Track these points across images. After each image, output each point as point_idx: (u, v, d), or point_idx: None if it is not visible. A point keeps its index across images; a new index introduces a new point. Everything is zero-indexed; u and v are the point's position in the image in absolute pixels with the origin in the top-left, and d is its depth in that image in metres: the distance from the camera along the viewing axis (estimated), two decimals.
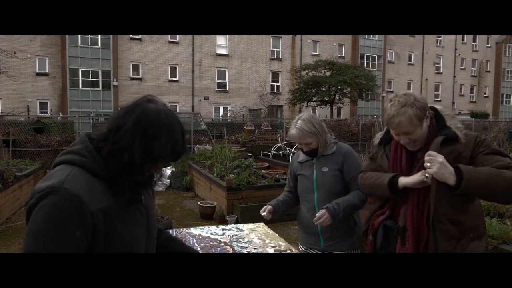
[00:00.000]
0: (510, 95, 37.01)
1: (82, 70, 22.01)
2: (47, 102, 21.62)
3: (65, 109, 21.15)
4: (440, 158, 1.45)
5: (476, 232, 1.61)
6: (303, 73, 22.34)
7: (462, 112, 31.75)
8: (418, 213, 1.60)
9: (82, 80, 22.07)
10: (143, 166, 1.00)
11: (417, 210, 1.60)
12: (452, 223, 1.57)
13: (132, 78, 23.26)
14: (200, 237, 2.39)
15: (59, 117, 15.88)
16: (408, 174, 1.62)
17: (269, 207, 2.26)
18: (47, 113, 20.19)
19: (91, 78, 22.29)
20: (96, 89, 22.40)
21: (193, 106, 24.72)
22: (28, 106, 20.39)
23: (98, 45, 22.24)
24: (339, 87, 21.11)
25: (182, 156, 1.07)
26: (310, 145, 2.09)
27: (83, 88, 22.09)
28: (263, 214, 2.23)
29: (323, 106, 22.61)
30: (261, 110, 24.75)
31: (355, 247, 2.10)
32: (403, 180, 1.59)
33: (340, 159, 2.11)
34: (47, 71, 21.51)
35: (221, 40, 25.44)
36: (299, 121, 2.08)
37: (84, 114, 17.57)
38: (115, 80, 22.51)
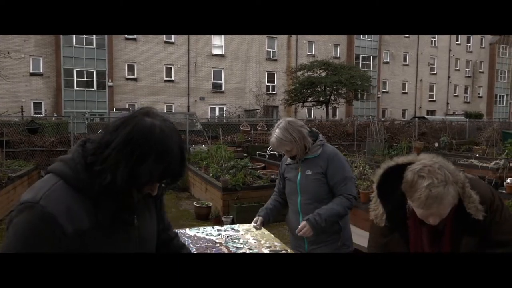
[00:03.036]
0: (503, 96, 37.33)
1: (76, 70, 21.87)
2: (41, 103, 21.46)
3: (59, 110, 21.00)
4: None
5: None
6: (299, 73, 22.40)
7: (456, 113, 31.98)
8: None
9: (76, 80, 21.92)
10: (128, 189, 0.92)
11: None
12: None
13: (127, 79, 23.15)
14: (196, 238, 2.38)
15: (53, 118, 15.77)
16: (430, 251, 1.42)
17: (260, 218, 2.28)
18: (41, 114, 20.05)
19: (86, 78, 22.15)
20: (91, 89, 22.27)
21: (188, 106, 24.67)
22: (22, 106, 20.20)
23: (93, 45, 22.12)
24: (335, 87, 21.19)
25: (181, 177, 0.99)
26: (291, 152, 2.10)
27: (77, 89, 21.95)
28: (254, 225, 2.26)
29: (318, 106, 22.67)
30: (257, 110, 24.75)
31: (340, 252, 2.10)
32: None
33: (325, 162, 2.09)
34: (41, 71, 21.35)
35: (217, 40, 25.41)
36: (277, 130, 2.08)
37: (78, 115, 17.47)
38: (110, 80, 22.39)
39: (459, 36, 34.64)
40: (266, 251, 2.12)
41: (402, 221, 1.43)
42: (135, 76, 23.36)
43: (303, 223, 1.99)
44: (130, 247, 1.05)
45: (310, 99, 22.12)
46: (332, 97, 21.89)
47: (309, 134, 2.12)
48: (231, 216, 5.74)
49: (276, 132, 2.08)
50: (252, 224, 2.26)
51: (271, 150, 10.38)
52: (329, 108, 22.96)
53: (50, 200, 0.89)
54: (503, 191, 5.21)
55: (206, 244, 2.27)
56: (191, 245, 2.23)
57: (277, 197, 2.38)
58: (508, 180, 5.31)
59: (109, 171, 0.89)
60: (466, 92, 36.04)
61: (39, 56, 21.26)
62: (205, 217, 6.08)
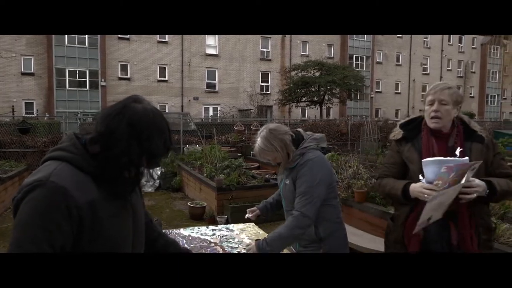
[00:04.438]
0: (495, 96, 37.77)
1: (69, 70, 21.66)
2: (32, 103, 21.21)
3: (51, 110, 20.79)
4: (476, 190, 1.59)
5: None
6: (293, 73, 22.41)
7: None
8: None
9: (69, 80, 21.72)
10: (141, 165, 1.06)
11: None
12: (486, 219, 1.76)
13: (120, 78, 23.00)
14: (190, 238, 2.37)
15: (45, 118, 15.59)
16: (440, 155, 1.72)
17: (257, 211, 2.25)
18: (33, 114, 19.81)
19: (78, 78, 21.95)
20: (84, 89, 22.08)
21: (182, 106, 24.57)
22: (13, 106, 19.96)
23: (85, 45, 21.93)
24: (328, 87, 21.23)
25: (167, 155, 1.12)
26: (275, 160, 2.02)
27: (70, 88, 21.75)
28: (248, 215, 2.24)
29: (312, 106, 22.72)
30: (251, 110, 24.73)
31: None
32: (413, 190, 1.67)
33: (295, 174, 1.96)
34: (32, 70, 21.11)
35: (211, 40, 25.35)
36: (259, 139, 1.98)
37: (71, 115, 17.28)
38: (103, 80, 22.22)
39: (451, 36, 34.97)
40: None
41: (417, 134, 1.83)
42: (128, 76, 23.21)
43: (252, 244, 1.91)
44: (128, 221, 1.13)
45: (304, 99, 22.15)
46: (326, 97, 21.94)
47: (294, 140, 1.99)
48: (226, 216, 5.72)
49: (258, 141, 1.99)
50: (248, 211, 2.24)
51: None
52: (323, 108, 23.01)
53: (60, 176, 0.97)
54: None
55: (201, 244, 2.25)
56: (186, 245, 2.22)
57: (278, 195, 2.32)
58: None
59: (124, 153, 1.00)
60: None
61: (30, 55, 21.02)
62: (199, 217, 6.05)
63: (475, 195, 1.57)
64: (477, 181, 1.59)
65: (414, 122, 1.89)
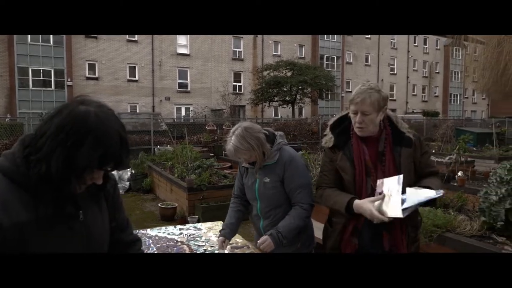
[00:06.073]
0: (457, 95, 39.63)
1: (32, 69, 20.74)
2: None
3: (13, 111, 19.81)
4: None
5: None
6: (265, 73, 22.56)
7: (415, 111, 33.58)
8: None
9: (32, 79, 20.79)
10: (65, 178, 0.91)
11: None
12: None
13: (88, 78, 22.27)
14: (157, 238, 2.35)
15: (7, 119, 14.84)
16: (375, 170, 1.74)
17: (221, 238, 2.06)
18: None
19: (43, 77, 21.06)
20: (49, 89, 21.21)
21: (153, 106, 24.13)
22: None
23: (49, 43, 21.06)
24: (300, 87, 21.54)
25: (123, 162, 0.98)
26: (249, 159, 2.00)
27: (33, 88, 20.81)
28: (220, 250, 2.05)
29: (284, 106, 22.95)
30: (224, 110, 24.66)
31: (299, 252, 2.09)
32: (359, 209, 1.67)
33: (281, 169, 1.99)
34: None
35: (182, 39, 25.05)
36: (233, 137, 1.94)
37: (35, 116, 16.55)
38: (69, 79, 21.43)
39: (417, 38, 36.37)
40: (227, 247, 2.13)
41: (347, 141, 1.81)
42: (96, 75, 22.52)
43: (265, 237, 1.95)
44: (74, 242, 1.02)
45: (276, 98, 22.35)
46: (298, 97, 22.25)
47: (267, 138, 2.01)
48: (197, 216, 5.70)
49: (232, 140, 1.93)
50: (218, 248, 2.08)
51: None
52: (295, 107, 23.31)
53: None
54: (455, 184, 5.53)
55: (167, 243, 2.24)
56: (152, 245, 2.20)
57: (238, 205, 2.23)
58: (459, 173, 5.65)
59: (44, 160, 0.89)
60: (423, 92, 37.90)
61: None
62: (170, 218, 5.98)
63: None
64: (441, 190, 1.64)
65: (344, 122, 1.83)
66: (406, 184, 1.65)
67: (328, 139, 1.86)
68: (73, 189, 0.95)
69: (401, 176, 1.61)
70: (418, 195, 1.60)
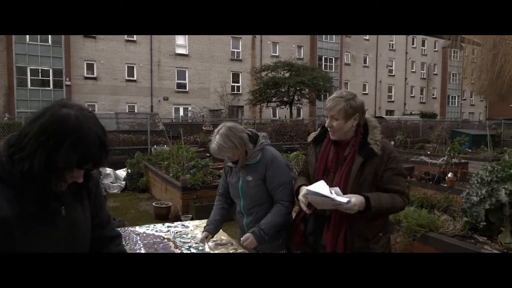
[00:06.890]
0: (455, 97, 39.75)
1: (30, 69, 20.79)
2: None
3: (11, 110, 19.86)
4: (350, 209, 1.68)
5: (385, 230, 1.90)
6: (263, 74, 22.64)
7: (413, 112, 33.66)
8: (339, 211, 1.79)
9: (31, 79, 20.83)
10: (47, 176, 0.97)
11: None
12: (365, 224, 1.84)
13: (87, 78, 22.33)
14: (144, 235, 2.42)
15: (5, 119, 14.90)
16: (334, 171, 1.89)
17: (205, 233, 2.16)
18: None
19: (41, 77, 21.09)
20: (47, 88, 21.25)
21: (152, 106, 24.19)
22: None
23: (48, 43, 21.11)
24: (298, 88, 21.63)
25: (102, 163, 1.06)
26: (232, 158, 2.09)
27: (32, 88, 20.86)
28: (202, 243, 2.14)
29: (282, 106, 23.03)
30: (222, 110, 24.73)
31: (281, 249, 2.17)
32: (300, 195, 1.87)
33: (263, 168, 2.07)
34: None
35: (180, 39, 25.11)
36: (217, 136, 2.04)
37: None
38: (67, 79, 21.47)
39: (415, 39, 36.49)
40: (211, 244, 2.20)
41: (323, 140, 1.96)
42: (95, 75, 22.57)
43: (248, 234, 2.04)
44: (59, 237, 1.09)
45: (274, 99, 22.43)
46: (296, 98, 22.33)
47: (250, 138, 2.09)
48: (190, 215, 5.76)
49: (216, 139, 2.04)
50: (200, 241, 2.18)
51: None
52: (293, 108, 23.39)
53: None
54: (445, 185, 5.61)
55: (154, 240, 2.31)
56: (139, 241, 2.27)
57: (223, 203, 2.33)
58: (449, 175, 5.73)
59: (27, 159, 0.95)
60: (421, 93, 38.02)
61: None
62: (164, 217, 6.05)
63: (348, 211, 1.69)
64: (353, 199, 1.67)
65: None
66: (353, 191, 1.75)
67: (312, 135, 2.06)
68: (55, 187, 1.01)
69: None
70: (328, 191, 1.70)
